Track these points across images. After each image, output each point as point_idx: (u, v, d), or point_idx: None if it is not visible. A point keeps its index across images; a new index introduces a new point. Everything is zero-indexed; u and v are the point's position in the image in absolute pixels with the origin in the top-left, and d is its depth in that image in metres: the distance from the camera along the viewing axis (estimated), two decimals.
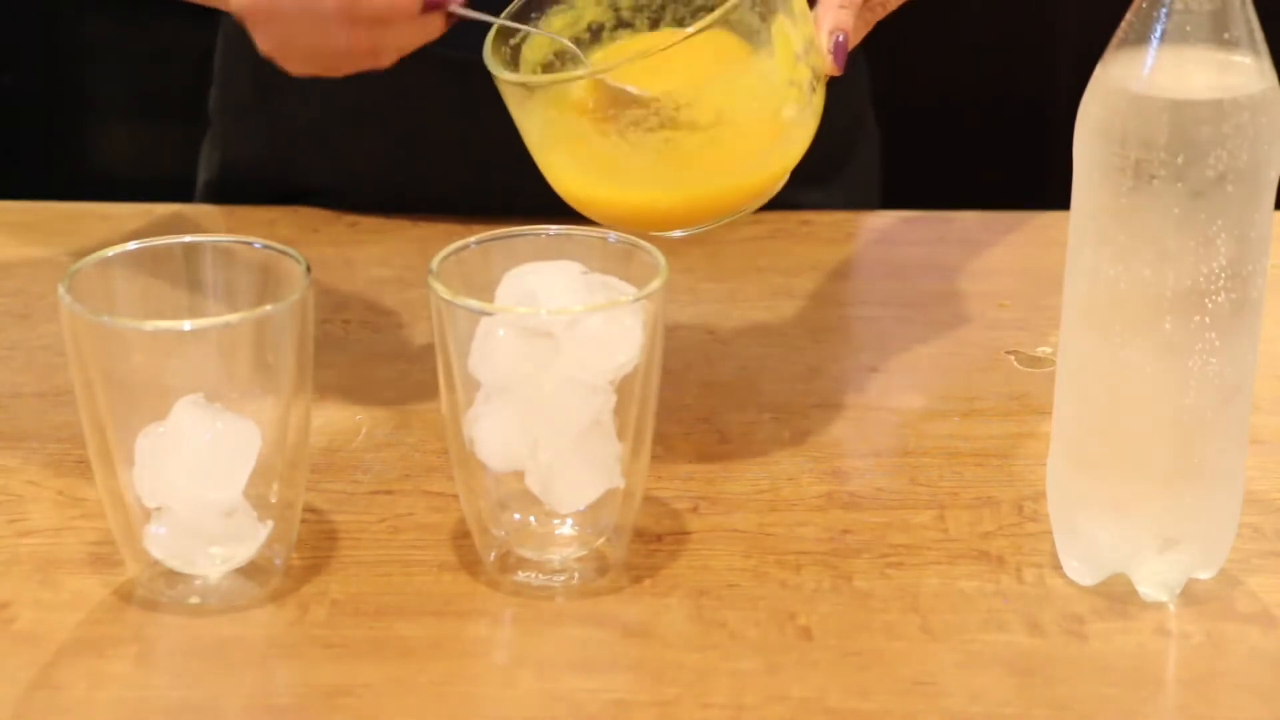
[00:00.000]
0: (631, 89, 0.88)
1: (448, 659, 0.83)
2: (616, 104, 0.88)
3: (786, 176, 0.94)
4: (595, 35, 0.98)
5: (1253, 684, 0.82)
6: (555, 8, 0.96)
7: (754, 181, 0.92)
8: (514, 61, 0.94)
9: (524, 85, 0.91)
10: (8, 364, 1.06)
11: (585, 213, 0.94)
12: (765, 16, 0.88)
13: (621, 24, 0.98)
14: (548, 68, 0.96)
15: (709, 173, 0.91)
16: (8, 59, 2.19)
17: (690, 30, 0.86)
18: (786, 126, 0.91)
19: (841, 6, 0.93)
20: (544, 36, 0.95)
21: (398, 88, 1.22)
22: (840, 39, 0.92)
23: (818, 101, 0.93)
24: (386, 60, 0.94)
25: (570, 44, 0.96)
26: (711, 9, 0.96)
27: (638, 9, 0.98)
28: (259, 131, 1.28)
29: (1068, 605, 0.86)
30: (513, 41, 0.94)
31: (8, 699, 0.80)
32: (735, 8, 0.87)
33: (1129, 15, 0.80)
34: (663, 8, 0.98)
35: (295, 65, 0.95)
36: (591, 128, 0.89)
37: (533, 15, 0.95)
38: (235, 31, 1.29)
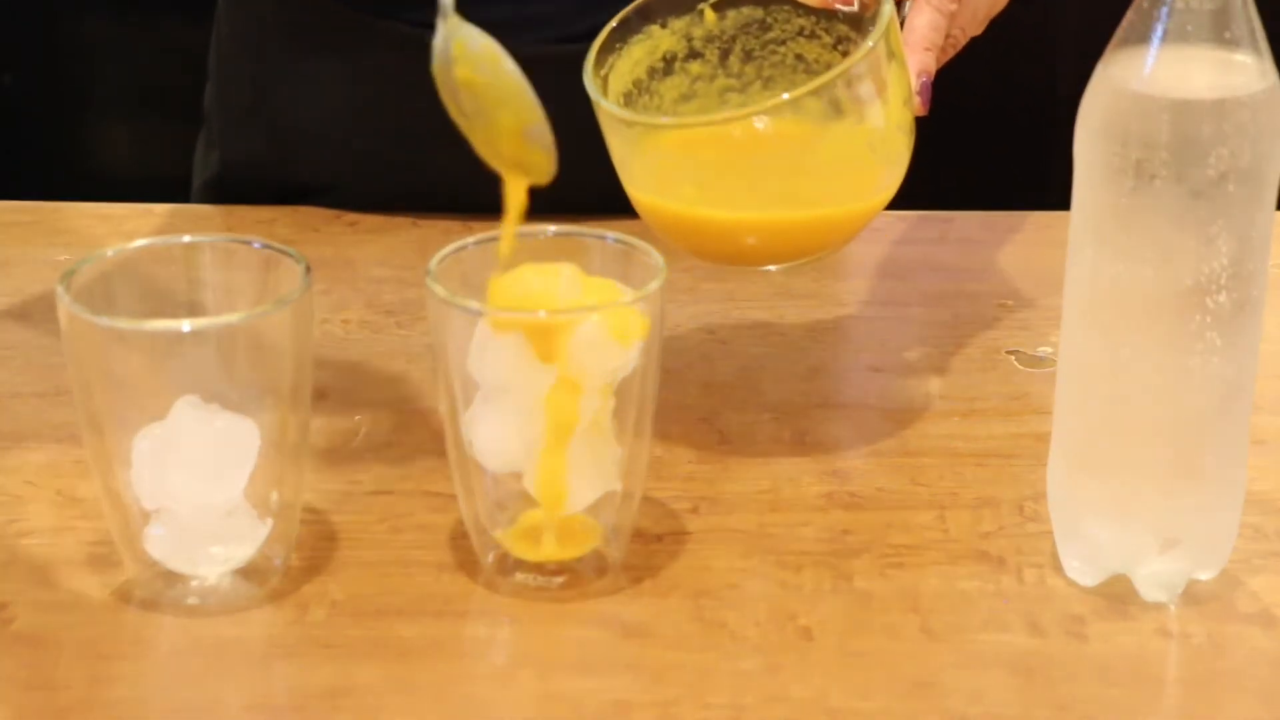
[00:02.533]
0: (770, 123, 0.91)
1: (447, 659, 0.83)
2: (744, 147, 0.92)
3: (873, 218, 0.98)
4: (669, 65, 1.00)
5: (1253, 684, 0.82)
6: (635, 37, 0.98)
7: (853, 217, 0.96)
8: (604, 90, 0.96)
9: (631, 122, 0.94)
10: (8, 364, 1.06)
11: (681, 246, 0.96)
12: (880, 66, 0.91)
13: (693, 54, 1.00)
14: (627, 96, 0.98)
15: (822, 210, 0.94)
16: (8, 59, 2.19)
17: (841, 68, 0.90)
18: (894, 166, 0.95)
19: (926, 50, 0.97)
20: (626, 63, 0.98)
21: (396, 84, 1.22)
22: (926, 80, 0.97)
23: (912, 143, 0.96)
24: None
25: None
26: (782, 41, 0.99)
27: (709, 40, 1.01)
28: (257, 130, 1.28)
29: (1068, 606, 0.86)
30: (602, 71, 0.96)
31: (8, 699, 0.80)
32: (868, 54, 0.90)
33: (1129, 14, 0.80)
34: (733, 39, 1.01)
35: None
36: (712, 169, 0.93)
37: (617, 45, 0.97)
38: (231, 30, 1.30)
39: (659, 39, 0.99)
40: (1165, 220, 0.80)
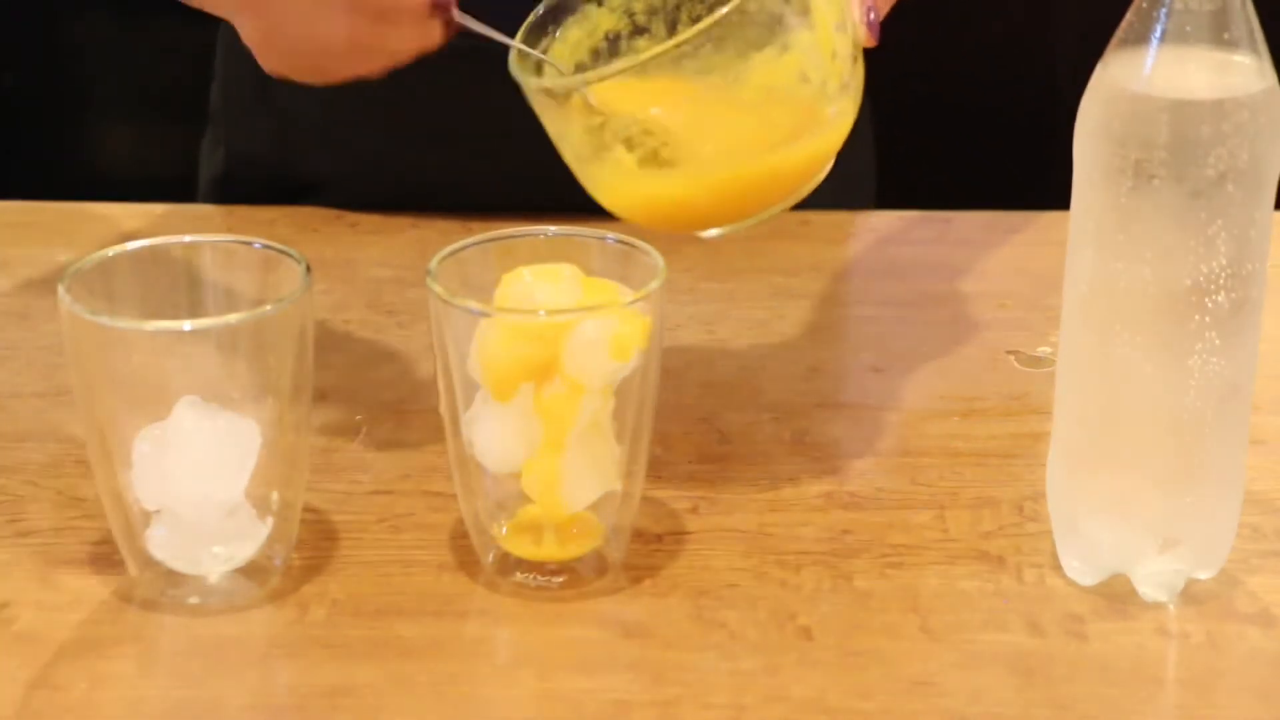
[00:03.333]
0: (687, 70, 0.86)
1: (448, 659, 0.83)
2: (655, 94, 0.87)
3: (832, 161, 0.92)
4: (613, 45, 0.97)
5: (1253, 684, 0.82)
6: (571, 18, 0.95)
7: (803, 161, 0.90)
8: (538, 74, 0.93)
9: (553, 90, 0.90)
10: (8, 364, 1.06)
11: (625, 214, 0.92)
12: None
13: (638, 30, 0.97)
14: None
15: (757, 153, 0.90)
16: (8, 59, 2.19)
17: (724, 10, 0.84)
18: (835, 97, 0.90)
19: None
20: (564, 47, 0.94)
21: (402, 80, 1.22)
22: (874, 18, 0.91)
23: (859, 74, 0.91)
24: (379, 63, 0.93)
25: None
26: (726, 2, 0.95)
27: (652, 13, 0.97)
28: (262, 127, 1.28)
29: (1068, 605, 0.86)
30: (543, 45, 0.93)
31: (8, 699, 0.80)
32: None
33: (1129, 15, 0.80)
34: (678, 8, 0.97)
35: (277, 60, 0.93)
36: (635, 125, 0.88)
37: (550, 27, 0.94)
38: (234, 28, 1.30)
39: (597, 18, 0.95)
40: (1164, 220, 0.80)
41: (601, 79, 0.89)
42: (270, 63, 0.92)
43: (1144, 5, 0.80)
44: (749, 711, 0.80)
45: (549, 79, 0.93)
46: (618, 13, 0.97)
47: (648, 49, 0.93)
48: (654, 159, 0.89)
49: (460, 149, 1.23)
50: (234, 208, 1.27)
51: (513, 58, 0.91)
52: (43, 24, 2.18)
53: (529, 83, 0.90)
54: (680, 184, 0.90)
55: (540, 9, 0.94)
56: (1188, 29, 0.79)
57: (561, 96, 0.89)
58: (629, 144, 0.89)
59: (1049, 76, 1.93)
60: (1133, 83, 0.80)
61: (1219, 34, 0.79)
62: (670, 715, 0.80)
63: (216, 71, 1.32)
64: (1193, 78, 0.79)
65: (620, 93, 0.88)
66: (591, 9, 0.95)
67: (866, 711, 0.80)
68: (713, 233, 0.93)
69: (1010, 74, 2.00)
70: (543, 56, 0.94)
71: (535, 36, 0.93)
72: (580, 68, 0.95)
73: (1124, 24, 0.80)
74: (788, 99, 0.89)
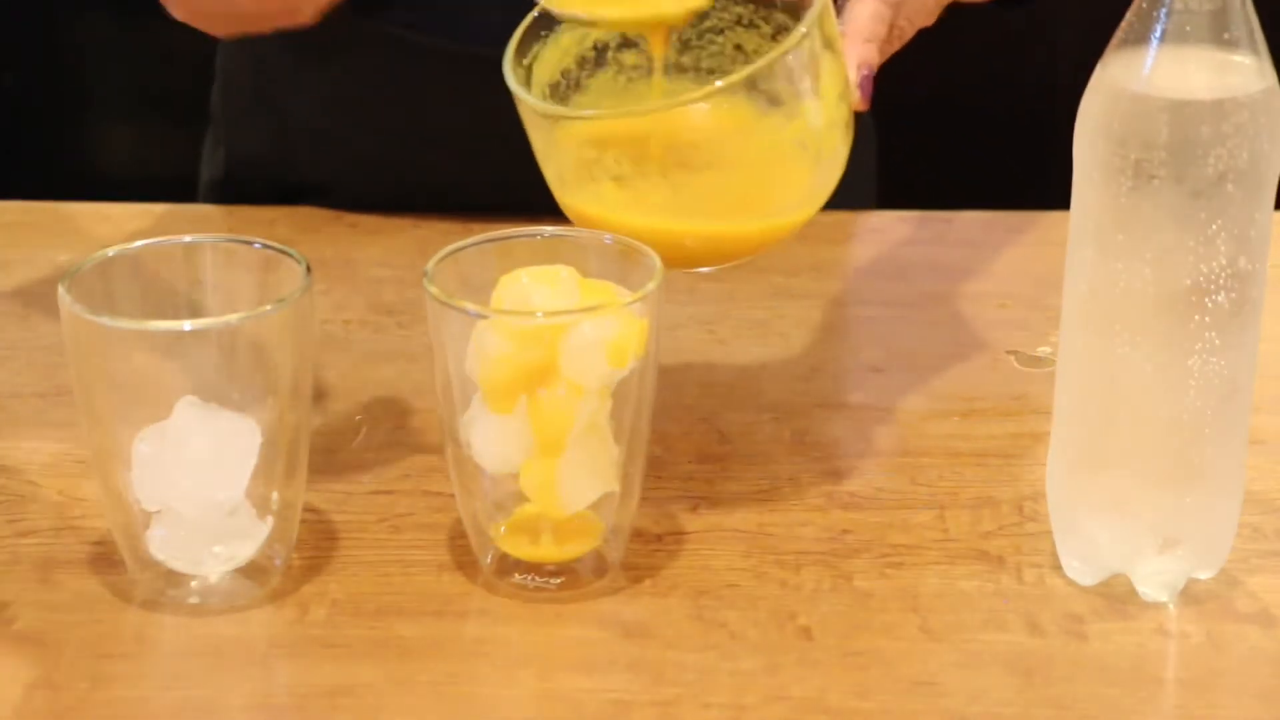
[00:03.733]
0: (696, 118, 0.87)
1: (448, 659, 0.83)
2: (666, 142, 0.88)
3: (815, 212, 0.93)
4: (600, 54, 0.96)
5: (1252, 684, 0.82)
6: (564, 25, 0.94)
7: (792, 217, 0.92)
8: (526, 82, 0.92)
9: (563, 118, 0.90)
10: (8, 364, 1.06)
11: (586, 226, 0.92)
12: (814, 57, 0.87)
13: (627, 43, 0.97)
14: (554, 87, 0.94)
15: (753, 212, 0.91)
16: (8, 59, 2.19)
17: (756, 65, 0.85)
18: (827, 165, 0.91)
19: (867, 41, 0.92)
20: (554, 51, 0.94)
21: (400, 82, 1.22)
22: (867, 74, 0.92)
23: (849, 139, 0.92)
24: (306, 15, 0.92)
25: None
26: (720, 30, 0.96)
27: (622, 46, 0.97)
28: (262, 129, 1.28)
29: (1068, 605, 0.86)
30: (525, 61, 0.93)
31: (8, 699, 0.80)
32: (796, 42, 0.86)
33: (1129, 15, 0.80)
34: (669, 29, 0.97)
35: (215, 27, 0.94)
36: (633, 165, 0.88)
37: (542, 33, 0.94)
38: None
39: (587, 27, 0.95)
40: (1164, 220, 0.80)
41: (614, 116, 0.90)
42: (213, 29, 0.93)
43: (1144, 5, 0.80)
44: (749, 711, 0.80)
45: (553, 105, 0.93)
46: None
47: (664, 90, 0.94)
48: (641, 199, 0.89)
49: (459, 151, 1.23)
50: (234, 208, 1.27)
51: (507, 66, 0.90)
52: (43, 24, 2.18)
53: (532, 104, 0.89)
54: (665, 228, 0.90)
55: (533, 14, 0.93)
56: (1188, 29, 0.79)
57: (563, 123, 0.90)
58: (619, 180, 0.89)
59: (1049, 76, 1.93)
60: (1133, 83, 0.80)
61: (1219, 34, 0.79)
62: (670, 715, 0.80)
63: (217, 73, 1.32)
64: (1193, 78, 0.79)
65: (621, 126, 0.89)
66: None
67: (866, 711, 0.80)
68: (699, 270, 0.94)
69: (1010, 74, 2.00)
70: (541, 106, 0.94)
71: (529, 41, 0.93)
72: (565, 74, 0.95)
73: (1124, 24, 0.80)
74: (785, 159, 0.90)
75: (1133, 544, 0.85)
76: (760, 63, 0.86)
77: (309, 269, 0.85)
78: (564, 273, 0.84)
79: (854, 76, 0.92)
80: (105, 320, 0.82)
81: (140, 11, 2.23)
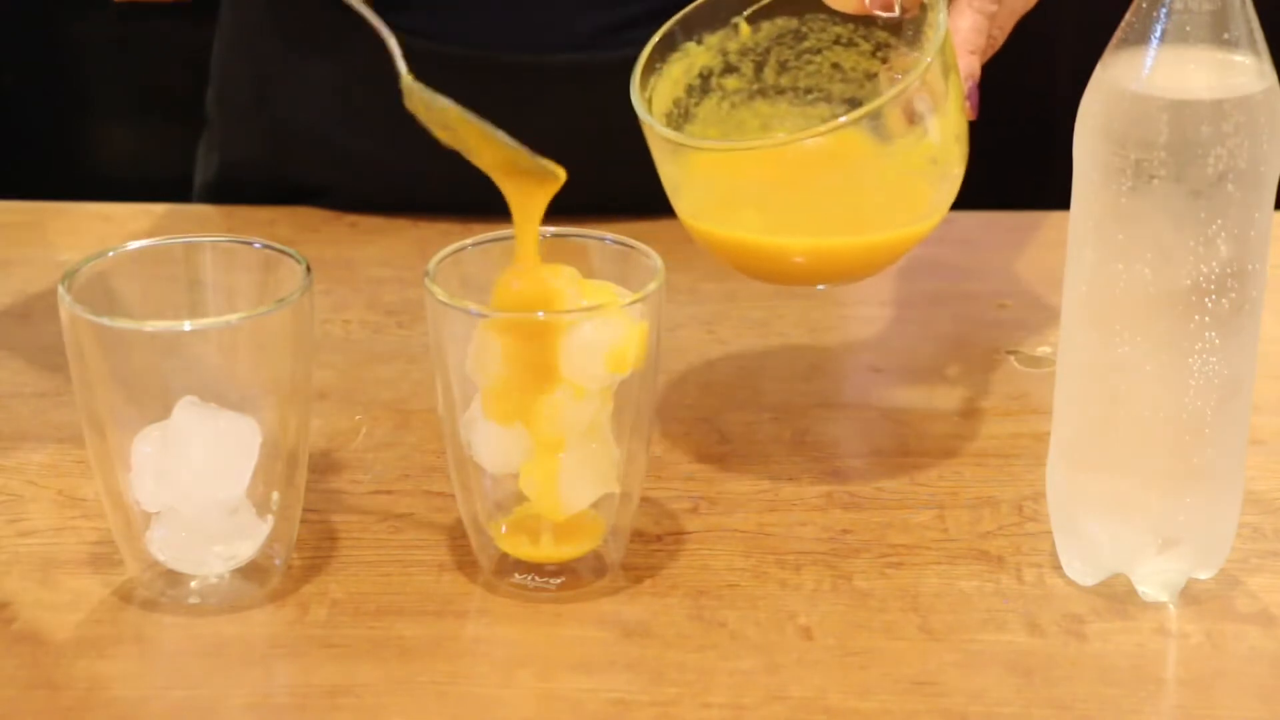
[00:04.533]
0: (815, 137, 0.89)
1: (448, 659, 0.83)
2: (808, 165, 0.89)
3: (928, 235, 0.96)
4: (705, 81, 0.98)
5: (1253, 684, 0.82)
6: (674, 55, 0.96)
7: (922, 228, 0.94)
8: (649, 108, 0.94)
9: (697, 148, 0.92)
10: (8, 364, 1.06)
11: (742, 269, 0.95)
12: (943, 72, 0.90)
13: (729, 69, 0.99)
14: (669, 117, 0.96)
15: (887, 226, 0.92)
16: (8, 59, 2.19)
17: (907, 81, 0.87)
18: (953, 176, 0.93)
19: (970, 53, 0.95)
20: (667, 84, 0.96)
21: (392, 86, 1.22)
22: (973, 84, 0.94)
23: (967, 153, 0.94)
24: None
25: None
26: (818, 50, 0.97)
27: (743, 53, 0.99)
28: (257, 132, 1.28)
29: (1068, 605, 0.86)
30: (645, 94, 0.94)
31: (8, 699, 0.80)
32: (928, 69, 0.88)
33: (1129, 15, 0.80)
34: (767, 51, 0.99)
35: None
36: (774, 190, 0.91)
37: (658, 65, 0.95)
38: (233, 32, 1.30)
39: (695, 56, 0.97)
40: (1164, 220, 0.80)
41: (767, 147, 0.92)
42: None
43: (1144, 5, 0.80)
44: (749, 711, 0.80)
45: (694, 138, 0.96)
46: (713, 51, 0.98)
47: (752, 103, 0.97)
48: (781, 224, 0.91)
49: (456, 157, 1.23)
50: (234, 208, 1.27)
51: (639, 106, 0.92)
52: (43, 24, 2.18)
53: (683, 140, 0.92)
54: (805, 250, 0.92)
55: (651, 46, 0.95)
56: (1188, 29, 0.79)
57: (702, 154, 0.92)
58: (760, 207, 0.91)
59: (1049, 76, 1.93)
60: (1133, 83, 0.80)
61: (1219, 34, 0.79)
62: (670, 715, 0.80)
63: (212, 76, 1.32)
64: (1193, 78, 0.79)
65: (762, 154, 0.91)
66: (691, 46, 0.97)
67: (866, 711, 0.80)
68: (820, 287, 0.97)
69: (1010, 74, 2.00)
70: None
71: (646, 75, 0.95)
72: (677, 103, 0.97)
73: (1124, 24, 0.80)
74: (918, 180, 0.92)
75: (1133, 544, 0.85)
76: (902, 84, 0.88)
77: (309, 269, 0.85)
78: (565, 274, 0.84)
79: (967, 88, 0.94)
80: (105, 320, 0.82)
81: (140, 11, 2.24)
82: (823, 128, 0.89)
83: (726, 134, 0.98)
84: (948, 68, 0.90)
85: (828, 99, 0.98)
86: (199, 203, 1.32)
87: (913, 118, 0.90)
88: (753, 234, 0.92)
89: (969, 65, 0.94)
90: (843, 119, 0.87)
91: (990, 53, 0.99)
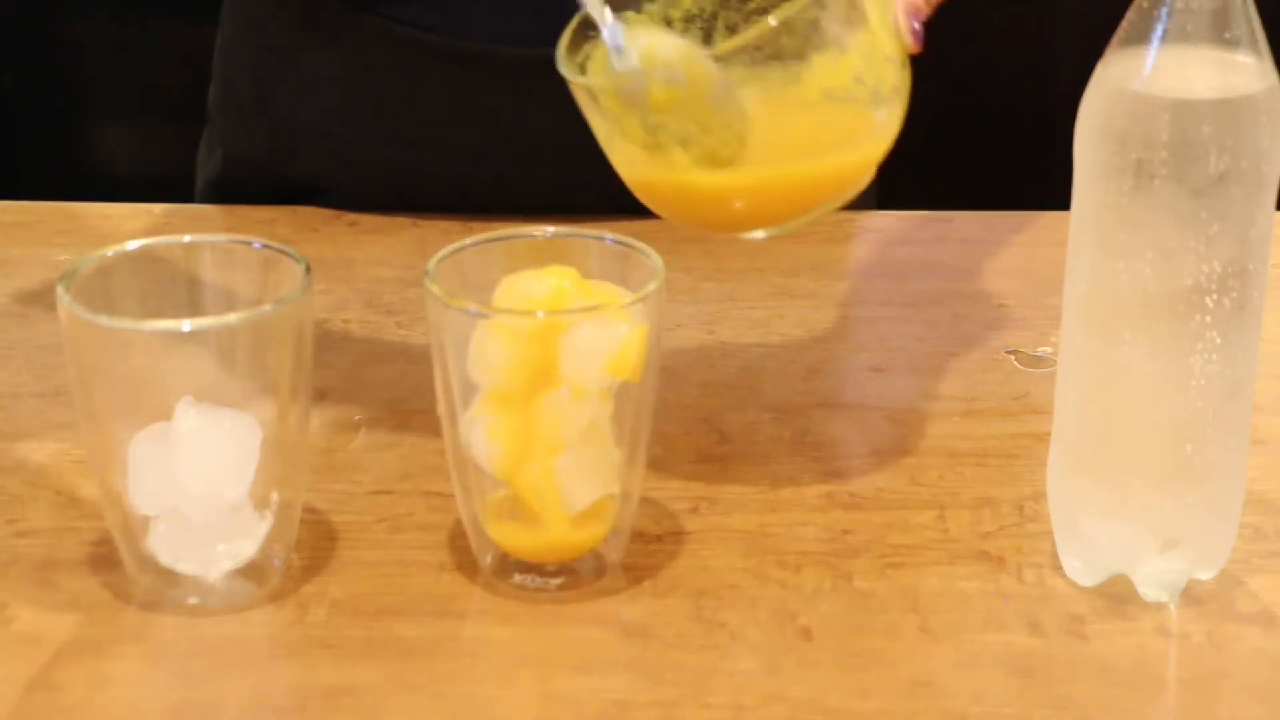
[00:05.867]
0: (749, 67, 0.86)
1: (448, 659, 0.83)
2: (726, 93, 0.87)
3: (879, 163, 0.93)
4: None
5: (1253, 684, 0.82)
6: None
7: (856, 162, 0.91)
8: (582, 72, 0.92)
9: (618, 89, 0.89)
10: (8, 364, 1.06)
11: (673, 216, 0.92)
12: None
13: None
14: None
15: (813, 154, 0.90)
16: (8, 59, 2.19)
17: (799, 4, 0.85)
18: (887, 102, 0.90)
19: None
20: (603, 51, 0.94)
21: (400, 81, 1.22)
22: (915, 16, 0.92)
23: (907, 79, 0.92)
24: None
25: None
26: (764, 10, 0.96)
27: (688, 20, 0.97)
28: (259, 130, 1.28)
29: (1068, 605, 0.86)
30: (578, 59, 0.92)
31: (8, 699, 0.80)
32: None
33: (1129, 14, 0.80)
34: (714, 16, 0.97)
35: None
36: (697, 124, 0.88)
37: (590, 33, 0.94)
38: (234, 30, 1.30)
39: (634, 24, 0.94)
40: (1165, 220, 0.80)
41: (655, 79, 0.89)
42: None
43: (1145, 4, 0.80)
44: (749, 711, 0.80)
45: (609, 76, 0.92)
46: (655, 19, 0.96)
47: (725, 40, 0.93)
48: (710, 158, 0.89)
49: (458, 152, 1.23)
50: (234, 208, 1.27)
51: (561, 59, 0.90)
52: (43, 24, 2.18)
53: (590, 83, 0.89)
54: (735, 184, 0.90)
55: (580, 16, 0.93)
56: (1188, 28, 0.79)
57: (624, 95, 0.89)
58: (685, 143, 0.89)
59: (1049, 76, 1.93)
60: (1133, 82, 0.80)
61: (1220, 33, 0.79)
62: (670, 715, 0.80)
63: (214, 75, 1.32)
64: (1194, 77, 0.79)
65: (680, 89, 0.88)
66: (630, 15, 0.95)
67: (866, 711, 0.80)
68: (757, 235, 0.93)
69: (1010, 74, 2.00)
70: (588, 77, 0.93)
71: (578, 42, 0.93)
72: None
73: (1124, 23, 0.80)
74: (843, 101, 0.90)
75: (1133, 544, 0.85)
76: (798, 3, 0.85)
77: (309, 269, 0.85)
78: (565, 275, 0.84)
79: (903, 20, 0.92)
80: (105, 320, 0.82)
81: (140, 11, 2.24)
82: (720, 48, 0.86)
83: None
84: None
85: (779, 57, 0.96)
86: (201, 201, 1.32)
87: (822, 36, 0.87)
88: (682, 172, 0.89)
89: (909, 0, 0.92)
90: (735, 39, 0.85)
91: None
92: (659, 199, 0.92)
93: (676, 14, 0.97)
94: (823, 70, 0.88)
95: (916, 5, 0.93)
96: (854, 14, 0.88)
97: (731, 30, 0.96)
